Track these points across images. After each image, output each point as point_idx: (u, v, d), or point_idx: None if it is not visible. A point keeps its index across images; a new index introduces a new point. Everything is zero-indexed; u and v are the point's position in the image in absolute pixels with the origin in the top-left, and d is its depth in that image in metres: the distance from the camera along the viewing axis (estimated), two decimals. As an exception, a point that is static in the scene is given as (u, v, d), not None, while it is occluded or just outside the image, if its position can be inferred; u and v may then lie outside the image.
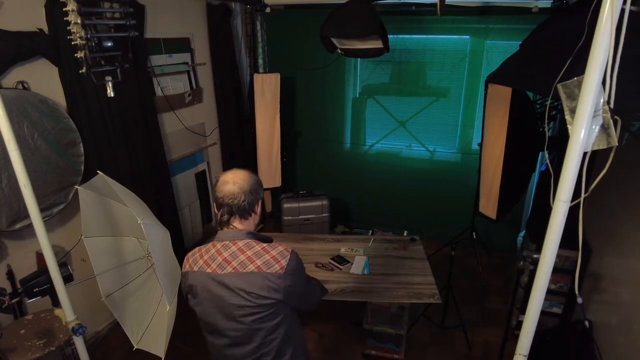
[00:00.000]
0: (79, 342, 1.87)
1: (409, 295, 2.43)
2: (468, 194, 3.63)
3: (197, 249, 1.43)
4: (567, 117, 0.95)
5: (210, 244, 1.39)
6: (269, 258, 1.30)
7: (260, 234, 1.43)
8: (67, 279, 1.75)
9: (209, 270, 1.33)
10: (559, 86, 0.97)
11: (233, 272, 1.29)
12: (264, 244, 1.35)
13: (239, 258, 1.31)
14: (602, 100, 0.91)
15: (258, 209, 1.43)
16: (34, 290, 1.75)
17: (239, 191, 1.34)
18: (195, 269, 1.36)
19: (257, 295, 1.28)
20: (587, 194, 0.97)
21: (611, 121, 0.90)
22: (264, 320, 1.32)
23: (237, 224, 1.37)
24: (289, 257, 1.32)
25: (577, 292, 1.14)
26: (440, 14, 2.59)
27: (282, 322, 1.36)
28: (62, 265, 1.76)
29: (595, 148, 0.93)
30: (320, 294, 1.65)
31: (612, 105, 0.90)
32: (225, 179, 1.37)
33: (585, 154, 0.95)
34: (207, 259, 1.35)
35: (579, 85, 0.91)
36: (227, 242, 1.35)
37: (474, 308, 3.33)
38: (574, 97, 0.94)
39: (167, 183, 3.45)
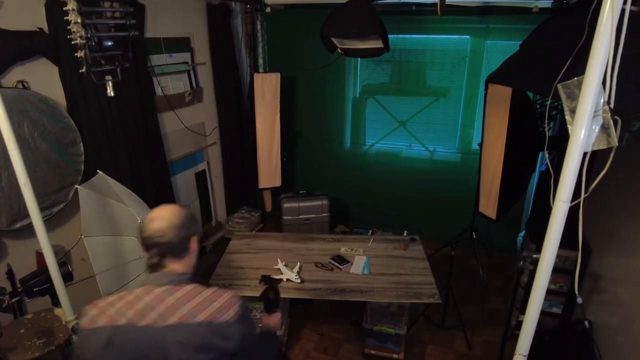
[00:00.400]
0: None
1: (408, 295, 2.44)
2: (468, 193, 3.63)
3: (112, 297, 1.14)
4: (567, 117, 0.95)
5: (140, 289, 1.14)
6: (220, 305, 1.11)
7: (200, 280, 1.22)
8: (67, 278, 1.75)
9: (144, 323, 1.06)
10: (559, 86, 0.97)
11: (178, 322, 1.06)
12: (211, 289, 1.15)
13: (187, 305, 1.09)
14: (602, 100, 0.91)
15: (193, 246, 1.22)
16: (34, 289, 1.75)
17: (167, 226, 1.15)
18: (122, 321, 1.06)
19: (208, 348, 1.08)
20: (587, 194, 0.97)
21: (611, 121, 0.90)
22: None
23: (173, 265, 1.18)
24: (239, 303, 1.15)
25: (577, 292, 1.14)
26: (441, 13, 2.59)
27: None
28: (62, 264, 1.77)
29: (596, 148, 0.94)
30: (276, 347, 1.50)
31: (612, 106, 0.90)
32: (151, 216, 1.19)
33: (585, 154, 0.95)
34: (142, 308, 1.08)
35: (579, 85, 0.91)
36: (170, 286, 1.13)
37: (473, 308, 3.33)
38: (574, 97, 0.94)
39: (167, 182, 3.45)
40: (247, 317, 1.17)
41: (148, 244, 1.16)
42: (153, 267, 1.18)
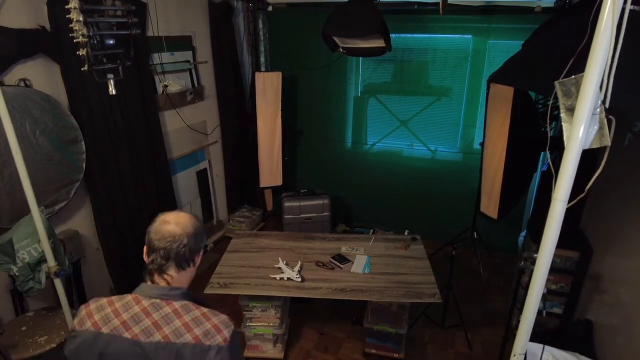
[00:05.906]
0: (58, 283, 2.03)
1: (409, 295, 2.43)
2: (469, 193, 3.63)
3: (105, 299, 1.11)
4: (563, 115, 0.95)
5: (130, 297, 1.10)
6: (209, 327, 1.05)
7: (198, 296, 1.17)
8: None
9: (127, 335, 1.03)
10: (556, 83, 0.96)
11: (163, 341, 1.02)
12: (204, 309, 1.10)
13: (174, 323, 1.04)
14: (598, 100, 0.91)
15: (197, 261, 1.19)
16: None
17: (182, 233, 1.11)
18: (106, 330, 1.04)
19: None
20: (583, 194, 0.97)
21: (605, 120, 0.90)
22: None
23: (172, 273, 1.13)
24: (232, 328, 1.09)
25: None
26: (443, 13, 2.59)
27: None
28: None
29: (590, 147, 0.93)
30: None
31: (607, 105, 0.90)
32: (166, 218, 1.14)
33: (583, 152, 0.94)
34: (128, 319, 1.05)
35: (576, 83, 0.91)
36: (159, 300, 1.08)
37: (474, 308, 3.32)
38: (570, 95, 0.94)
39: (168, 181, 3.46)
40: (235, 346, 1.09)
41: (155, 246, 1.10)
42: (151, 273, 1.13)
